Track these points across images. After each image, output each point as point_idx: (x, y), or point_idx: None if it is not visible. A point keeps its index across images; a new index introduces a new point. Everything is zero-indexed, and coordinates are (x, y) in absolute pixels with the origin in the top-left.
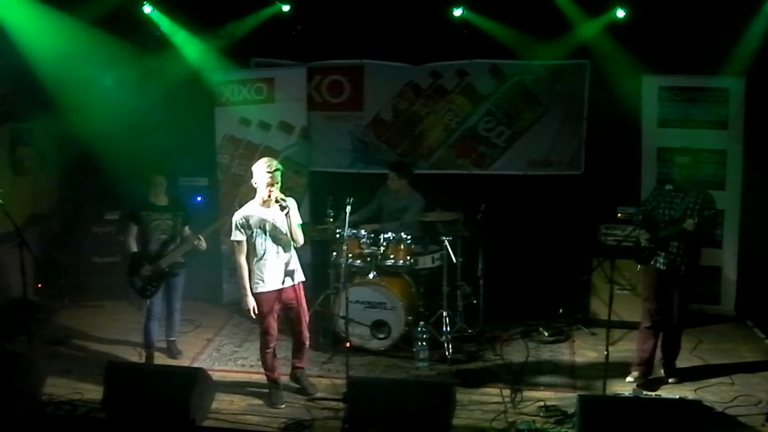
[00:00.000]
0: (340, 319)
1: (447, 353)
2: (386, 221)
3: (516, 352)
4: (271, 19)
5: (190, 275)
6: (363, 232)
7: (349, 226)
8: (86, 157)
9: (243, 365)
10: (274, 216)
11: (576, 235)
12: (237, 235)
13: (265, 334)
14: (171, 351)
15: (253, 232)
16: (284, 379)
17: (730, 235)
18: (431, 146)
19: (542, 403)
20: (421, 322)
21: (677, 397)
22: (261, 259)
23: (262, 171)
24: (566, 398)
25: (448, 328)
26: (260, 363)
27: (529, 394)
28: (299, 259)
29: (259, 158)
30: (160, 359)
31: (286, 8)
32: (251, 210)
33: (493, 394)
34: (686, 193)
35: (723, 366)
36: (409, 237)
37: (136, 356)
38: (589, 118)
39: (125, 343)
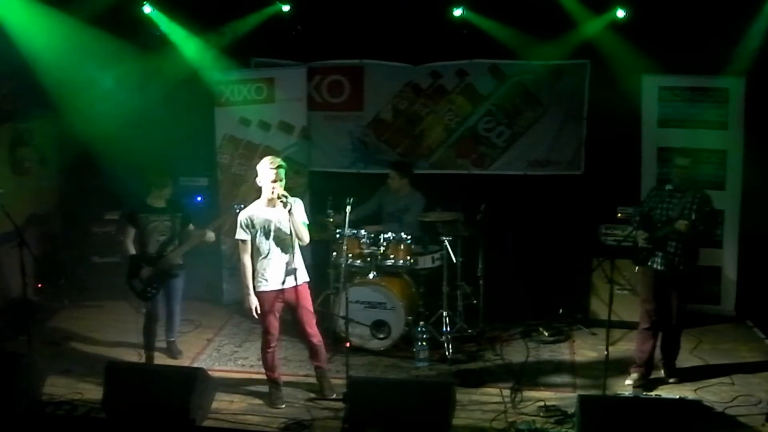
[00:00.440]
0: (340, 319)
1: (447, 353)
2: (386, 221)
3: (516, 352)
4: (271, 19)
5: (190, 275)
6: (363, 232)
7: (348, 226)
8: (86, 157)
9: (243, 365)
10: (279, 216)
11: (576, 235)
12: (241, 234)
13: (266, 333)
14: (171, 351)
15: (257, 232)
16: (284, 378)
17: (730, 235)
18: (431, 146)
19: (542, 403)
20: (421, 322)
21: (677, 397)
22: (264, 258)
23: (265, 168)
24: (566, 398)
25: (448, 328)
26: (260, 363)
27: (529, 394)
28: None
29: (259, 158)
30: (160, 359)
31: (286, 8)
32: (256, 210)
33: (493, 394)
34: (684, 193)
35: (723, 366)
36: (409, 237)
37: (136, 356)
38: (589, 118)
39: (125, 343)
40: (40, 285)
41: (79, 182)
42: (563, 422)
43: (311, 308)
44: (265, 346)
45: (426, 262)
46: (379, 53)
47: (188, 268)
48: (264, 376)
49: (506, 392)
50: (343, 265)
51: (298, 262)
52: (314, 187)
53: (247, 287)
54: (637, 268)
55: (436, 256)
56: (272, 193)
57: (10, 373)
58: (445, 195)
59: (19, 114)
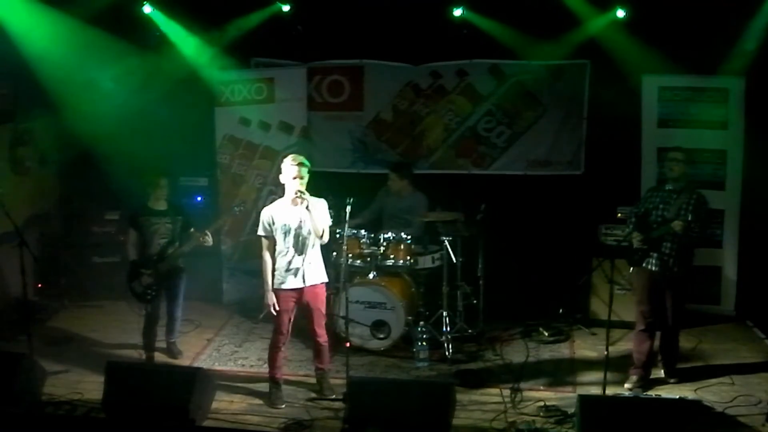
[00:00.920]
0: (340, 319)
1: (447, 353)
2: (388, 223)
3: (516, 352)
4: (271, 19)
5: (190, 275)
6: (363, 232)
7: (349, 227)
8: (86, 157)
9: (243, 365)
10: (300, 214)
11: (576, 235)
12: (261, 231)
13: (277, 332)
14: (171, 351)
15: (278, 230)
16: (284, 378)
17: (730, 235)
18: (431, 146)
19: (542, 403)
20: (421, 322)
21: (677, 397)
22: (284, 256)
23: (287, 165)
24: (566, 398)
25: (448, 328)
26: (260, 363)
27: (529, 394)
28: None
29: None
30: (160, 359)
31: (286, 8)
32: (279, 207)
33: (493, 394)
34: (680, 194)
35: (723, 366)
36: (409, 237)
37: (136, 357)
38: (589, 118)
39: (125, 343)
40: (40, 285)
41: (79, 182)
42: (563, 422)
43: (324, 309)
44: (274, 345)
45: (426, 262)
46: (379, 53)
47: (188, 268)
48: (264, 376)
49: (506, 392)
50: (343, 265)
51: (317, 262)
52: (314, 187)
53: (267, 283)
54: (631, 269)
55: (436, 256)
56: (293, 190)
57: (10, 373)
58: (445, 195)
59: (19, 114)
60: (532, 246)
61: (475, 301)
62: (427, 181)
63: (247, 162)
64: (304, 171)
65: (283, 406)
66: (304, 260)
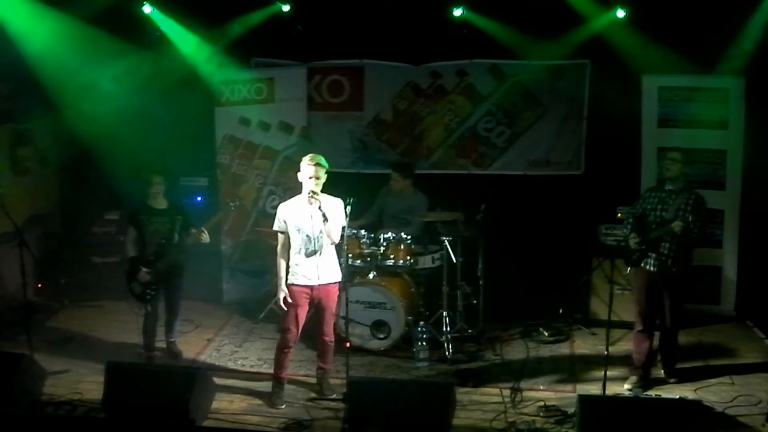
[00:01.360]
0: (340, 319)
1: (447, 353)
2: (388, 223)
3: (516, 352)
4: (271, 19)
5: (190, 275)
6: (363, 232)
7: (349, 227)
8: (86, 156)
9: (243, 365)
10: (313, 213)
11: (576, 235)
12: (277, 226)
13: (286, 331)
14: (171, 351)
15: (293, 226)
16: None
17: (729, 235)
18: (431, 146)
19: (542, 403)
20: (421, 322)
21: (677, 397)
22: (297, 253)
23: (304, 164)
24: (566, 398)
25: (448, 328)
26: (260, 363)
27: (529, 394)
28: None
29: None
30: (160, 359)
31: (286, 8)
32: (294, 204)
33: (493, 394)
34: (678, 195)
35: (723, 366)
36: (409, 237)
37: (136, 356)
38: (589, 118)
39: (125, 343)
40: (40, 285)
41: (79, 182)
42: (563, 422)
43: (334, 309)
44: (282, 345)
45: (426, 262)
46: (379, 53)
47: (188, 268)
48: (264, 376)
49: (506, 392)
50: (343, 265)
51: (331, 260)
52: None
53: (280, 279)
54: (629, 269)
55: (436, 256)
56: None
57: (10, 373)
58: (445, 195)
59: (19, 114)
60: (532, 246)
61: (475, 301)
62: (427, 181)
63: (247, 162)
64: (321, 171)
65: (283, 406)
66: (317, 258)
